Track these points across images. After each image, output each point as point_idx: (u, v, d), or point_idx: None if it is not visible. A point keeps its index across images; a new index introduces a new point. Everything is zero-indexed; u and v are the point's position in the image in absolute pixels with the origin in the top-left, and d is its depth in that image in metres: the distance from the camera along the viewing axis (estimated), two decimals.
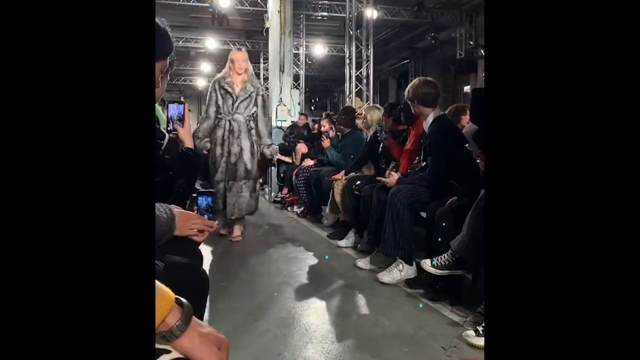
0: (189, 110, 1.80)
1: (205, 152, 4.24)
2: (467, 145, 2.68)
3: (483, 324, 2.19)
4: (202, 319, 1.53)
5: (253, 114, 4.35)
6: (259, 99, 4.38)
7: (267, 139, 4.51)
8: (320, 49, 12.83)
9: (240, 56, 4.37)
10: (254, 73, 4.56)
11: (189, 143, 1.61)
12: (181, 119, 1.67)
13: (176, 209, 1.43)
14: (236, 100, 4.28)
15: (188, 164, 1.59)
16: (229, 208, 4.27)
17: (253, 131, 4.37)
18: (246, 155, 4.29)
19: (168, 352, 0.70)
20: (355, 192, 3.97)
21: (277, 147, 4.60)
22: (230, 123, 4.27)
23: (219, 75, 4.46)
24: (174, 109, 1.65)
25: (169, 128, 1.67)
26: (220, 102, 4.30)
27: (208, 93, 4.42)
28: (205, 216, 1.61)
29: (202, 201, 1.61)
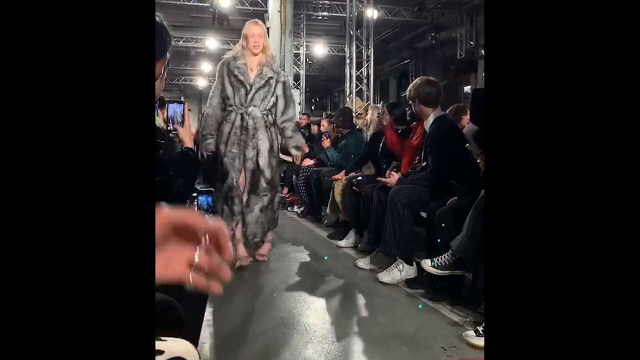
0: (189, 109, 1.80)
1: (209, 153, 3.39)
2: (467, 145, 2.68)
3: (483, 324, 2.19)
4: (202, 319, 1.53)
5: (272, 106, 3.36)
6: (279, 87, 3.36)
7: (296, 134, 3.49)
8: (320, 49, 12.83)
9: (256, 30, 3.33)
10: (274, 55, 3.61)
11: (189, 143, 1.62)
12: (181, 119, 1.67)
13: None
14: (250, 89, 3.29)
15: (188, 163, 1.60)
16: (250, 228, 3.37)
17: (272, 128, 3.39)
18: (263, 161, 3.32)
19: (161, 352, 0.70)
20: (354, 188, 3.98)
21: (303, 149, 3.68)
22: (242, 117, 3.29)
23: (228, 55, 3.44)
24: (174, 109, 1.65)
25: (169, 128, 1.67)
26: (229, 91, 3.31)
27: (215, 79, 3.45)
28: (206, 216, 1.61)
29: (203, 200, 1.61)
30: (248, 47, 3.32)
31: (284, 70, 3.57)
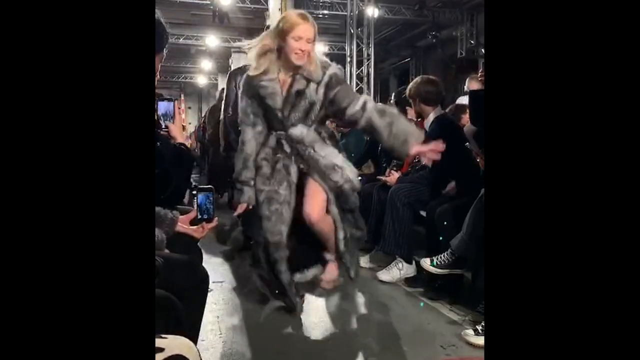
0: (189, 107, 1.82)
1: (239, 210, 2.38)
2: (467, 144, 2.68)
3: (482, 323, 2.19)
4: (201, 316, 1.53)
5: (317, 112, 2.31)
6: (323, 87, 2.26)
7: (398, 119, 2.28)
8: (320, 47, 12.81)
9: (306, 31, 2.17)
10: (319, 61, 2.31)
11: (180, 138, 1.66)
12: (172, 116, 1.69)
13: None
14: (283, 113, 2.28)
15: (182, 158, 1.63)
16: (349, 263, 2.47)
17: (331, 139, 2.42)
18: (347, 186, 2.33)
19: (161, 350, 0.70)
20: None
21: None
22: (279, 142, 2.36)
23: (250, 65, 2.33)
24: (164, 107, 1.67)
25: (161, 125, 1.69)
26: (260, 115, 2.34)
27: (241, 95, 2.37)
28: (205, 215, 1.61)
29: (202, 199, 1.61)
30: (286, 56, 2.21)
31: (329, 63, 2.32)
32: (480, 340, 2.13)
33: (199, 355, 0.90)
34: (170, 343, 0.78)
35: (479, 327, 2.19)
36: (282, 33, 2.20)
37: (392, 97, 4.29)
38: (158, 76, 1.50)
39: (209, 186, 1.67)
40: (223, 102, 4.12)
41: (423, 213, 3.03)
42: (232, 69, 3.58)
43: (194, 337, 1.35)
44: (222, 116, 5.00)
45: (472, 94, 2.66)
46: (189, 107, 16.92)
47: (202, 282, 1.52)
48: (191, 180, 2.06)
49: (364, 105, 2.26)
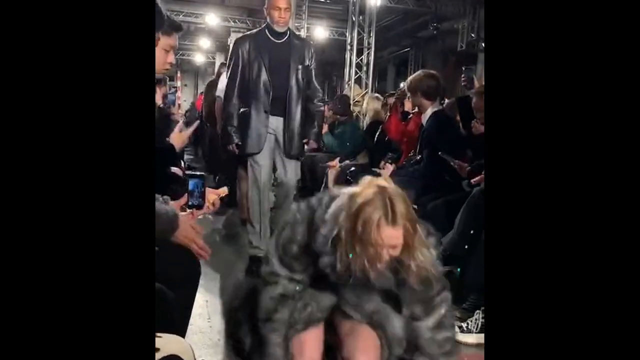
0: (185, 85, 1.89)
1: None
2: (440, 152, 2.71)
3: (468, 320, 2.22)
4: (192, 304, 1.53)
5: None
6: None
7: None
8: (321, 32, 12.71)
9: (393, 237, 1.27)
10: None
11: (177, 146, 1.92)
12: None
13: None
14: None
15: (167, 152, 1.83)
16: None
17: None
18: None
19: (157, 350, 0.70)
20: (348, 177, 3.99)
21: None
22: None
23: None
24: (192, 183, 1.77)
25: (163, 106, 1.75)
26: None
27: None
28: (195, 201, 1.61)
29: (193, 185, 1.61)
30: None
31: None
32: (467, 338, 2.15)
33: (194, 355, 0.89)
34: (166, 343, 0.77)
35: (465, 325, 2.21)
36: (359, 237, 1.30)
37: (404, 87, 4.25)
38: (171, 58, 1.57)
39: (200, 173, 1.67)
40: (224, 75, 3.98)
41: (415, 207, 3.04)
42: (239, 36, 3.56)
43: (184, 324, 1.35)
44: (217, 92, 4.85)
45: (461, 100, 2.67)
46: (185, 85, 16.77)
47: (193, 269, 1.52)
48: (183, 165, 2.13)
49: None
